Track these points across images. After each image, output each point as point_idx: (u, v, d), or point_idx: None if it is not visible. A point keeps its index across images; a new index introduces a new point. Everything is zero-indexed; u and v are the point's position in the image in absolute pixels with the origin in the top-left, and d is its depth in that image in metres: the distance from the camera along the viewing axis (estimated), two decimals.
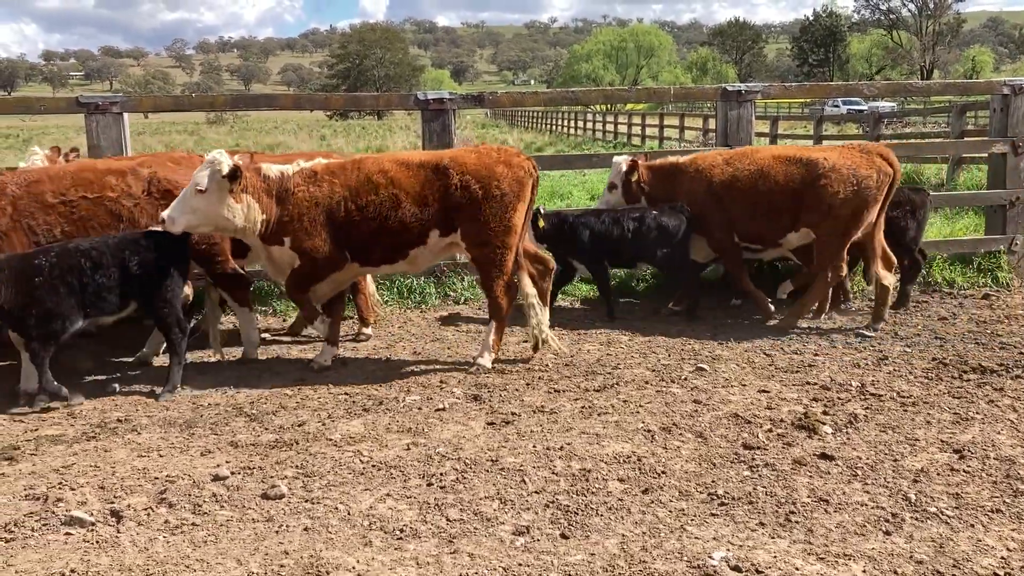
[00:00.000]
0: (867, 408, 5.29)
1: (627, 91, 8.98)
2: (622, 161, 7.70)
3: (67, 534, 3.89)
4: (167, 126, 61.69)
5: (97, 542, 3.81)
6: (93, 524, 3.96)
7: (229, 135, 48.03)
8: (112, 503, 4.16)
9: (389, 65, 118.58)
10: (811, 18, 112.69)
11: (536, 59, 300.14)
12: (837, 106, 53.52)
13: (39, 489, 4.33)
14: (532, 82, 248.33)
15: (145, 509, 4.10)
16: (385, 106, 11.82)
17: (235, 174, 5.76)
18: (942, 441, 4.77)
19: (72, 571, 3.52)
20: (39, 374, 5.56)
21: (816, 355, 6.47)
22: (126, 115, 7.80)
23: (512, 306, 6.42)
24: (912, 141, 16.82)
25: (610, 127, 43.41)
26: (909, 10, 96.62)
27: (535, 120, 61.44)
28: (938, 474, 4.36)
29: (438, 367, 6.37)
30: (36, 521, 4.00)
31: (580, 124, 49.09)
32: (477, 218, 6.12)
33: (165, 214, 5.74)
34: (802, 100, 58.65)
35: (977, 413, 5.18)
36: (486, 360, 6.25)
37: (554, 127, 54.67)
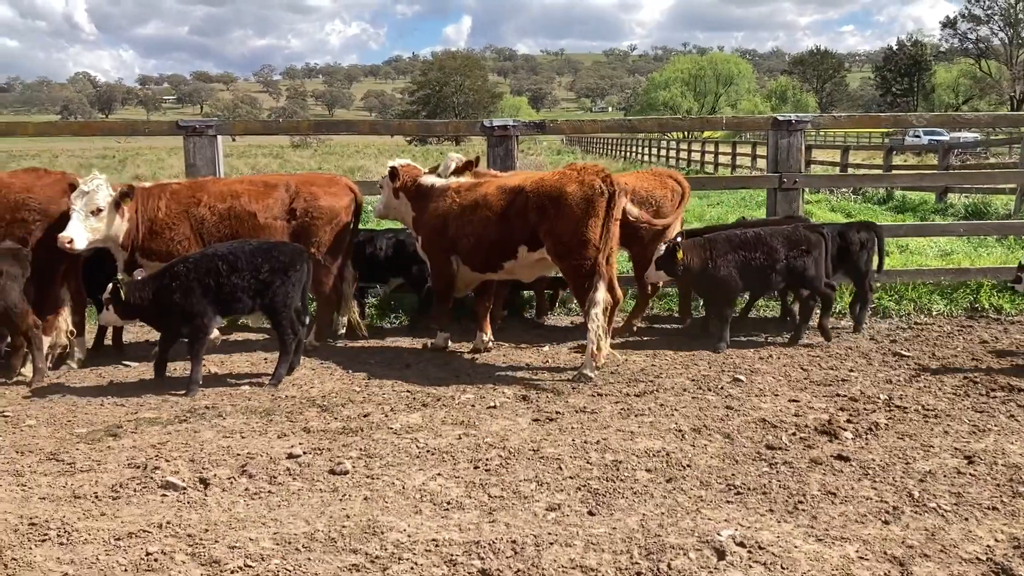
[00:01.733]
0: (890, 418, 5.63)
1: (681, 120, 9.46)
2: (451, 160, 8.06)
3: (163, 495, 4.53)
4: (253, 149, 64.08)
5: (188, 503, 4.44)
6: (184, 488, 4.60)
7: (312, 158, 49.79)
8: (200, 473, 4.79)
9: (468, 92, 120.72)
10: (895, 47, 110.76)
11: (614, 86, 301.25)
12: (919, 136, 52.67)
13: (139, 460, 5.00)
14: (610, 109, 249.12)
15: (228, 478, 4.73)
16: (454, 132, 12.54)
17: None
18: (955, 448, 5.09)
19: (168, 523, 4.14)
20: (194, 367, 6.41)
21: (851, 371, 6.80)
22: (219, 137, 8.61)
23: (607, 318, 6.79)
24: (979, 172, 16.79)
25: (684, 154, 43.65)
26: (1000, 39, 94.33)
27: (610, 147, 62.00)
28: (944, 476, 4.70)
29: (493, 371, 6.92)
30: (137, 484, 4.66)
31: (654, 151, 49.42)
32: (557, 233, 6.68)
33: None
34: (883, 130, 57.85)
35: (995, 425, 5.47)
36: (588, 371, 6.60)
37: (629, 154, 55.12)
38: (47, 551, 3.87)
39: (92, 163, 48.24)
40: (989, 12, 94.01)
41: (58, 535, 4.01)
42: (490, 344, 7.54)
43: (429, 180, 7.58)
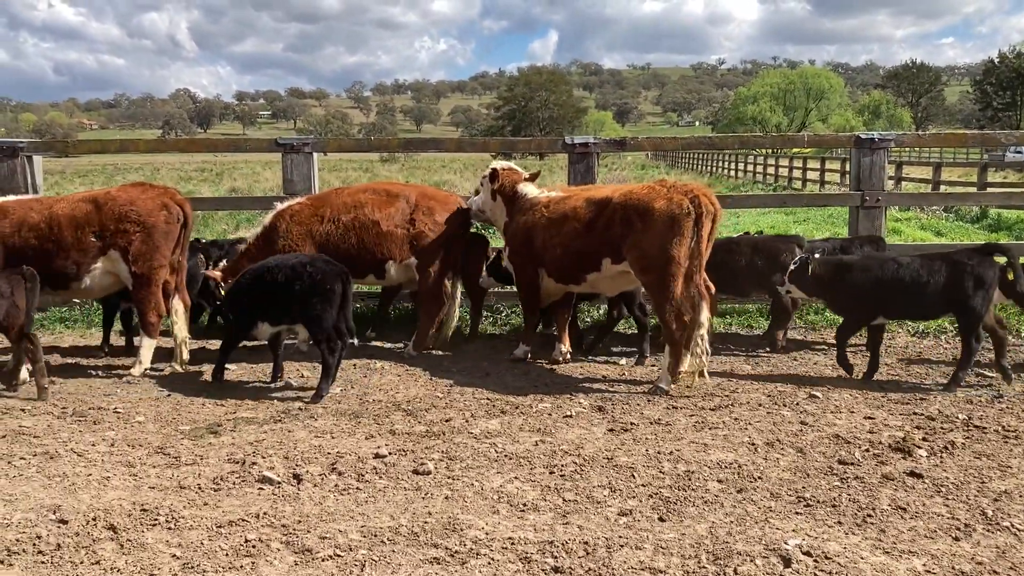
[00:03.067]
0: (967, 437, 5.62)
1: (762, 137, 9.52)
2: None
3: (260, 489, 4.88)
4: (344, 163, 65.72)
5: (282, 496, 4.77)
6: (279, 483, 4.93)
7: (400, 172, 50.85)
8: (294, 469, 5.12)
9: (553, 107, 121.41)
10: (996, 60, 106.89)
11: (702, 100, 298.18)
12: (1020, 152, 50.81)
13: (237, 456, 5.37)
14: (697, 123, 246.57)
15: (320, 475, 5.04)
16: (536, 149, 12.78)
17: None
18: None
19: (264, 514, 4.47)
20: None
21: (930, 391, 6.77)
22: (315, 154, 9.06)
23: (684, 334, 6.76)
24: None
25: (771, 169, 43.07)
26: None
27: (696, 162, 61.52)
28: (1021, 496, 4.69)
29: (570, 382, 7.11)
30: (236, 478, 5.01)
31: (740, 166, 48.89)
32: (641, 247, 6.83)
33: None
34: (980, 147, 55.95)
35: None
36: (664, 384, 6.78)
37: (715, 169, 54.61)
38: (157, 534, 4.22)
39: (191, 176, 50.42)
40: None
41: (167, 521, 4.37)
42: (568, 355, 7.73)
43: (526, 189, 7.86)
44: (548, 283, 7.59)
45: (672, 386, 6.79)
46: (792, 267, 7.33)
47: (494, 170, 7.90)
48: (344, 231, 7.83)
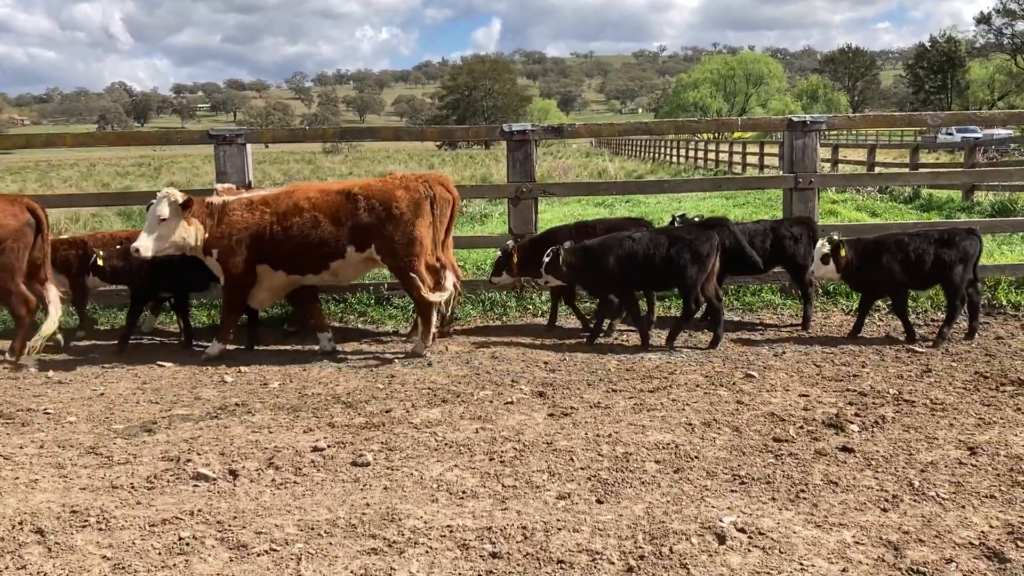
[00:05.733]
0: (897, 412, 5.76)
1: (696, 122, 9.64)
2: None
3: (195, 486, 4.80)
4: (286, 155, 64.95)
5: (218, 492, 4.70)
6: (215, 479, 4.86)
7: (343, 164, 50.38)
8: (230, 465, 5.05)
9: (498, 96, 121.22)
10: (928, 44, 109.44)
11: (644, 88, 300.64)
12: (951, 134, 52.16)
13: (172, 453, 5.28)
14: (640, 111, 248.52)
15: (256, 470, 4.98)
16: (475, 137, 12.75)
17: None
18: (959, 440, 5.21)
19: (199, 511, 4.40)
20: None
21: (864, 367, 6.92)
22: (249, 146, 8.91)
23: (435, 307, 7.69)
24: (997, 169, 16.72)
25: (712, 155, 43.59)
26: None
27: (640, 148, 62.00)
28: (946, 466, 4.83)
29: (512, 369, 7.12)
30: (171, 476, 4.92)
31: (682, 152, 49.39)
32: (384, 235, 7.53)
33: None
34: (916, 128, 57.27)
35: (1001, 418, 5.58)
36: (421, 349, 7.65)
37: (658, 155, 55.10)
38: (87, 536, 4.13)
39: (128, 171, 49.24)
40: None
41: (97, 521, 4.28)
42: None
43: (212, 200, 7.82)
44: (278, 277, 7.82)
45: (427, 350, 7.61)
46: (546, 259, 7.76)
47: (188, 198, 7.56)
48: None
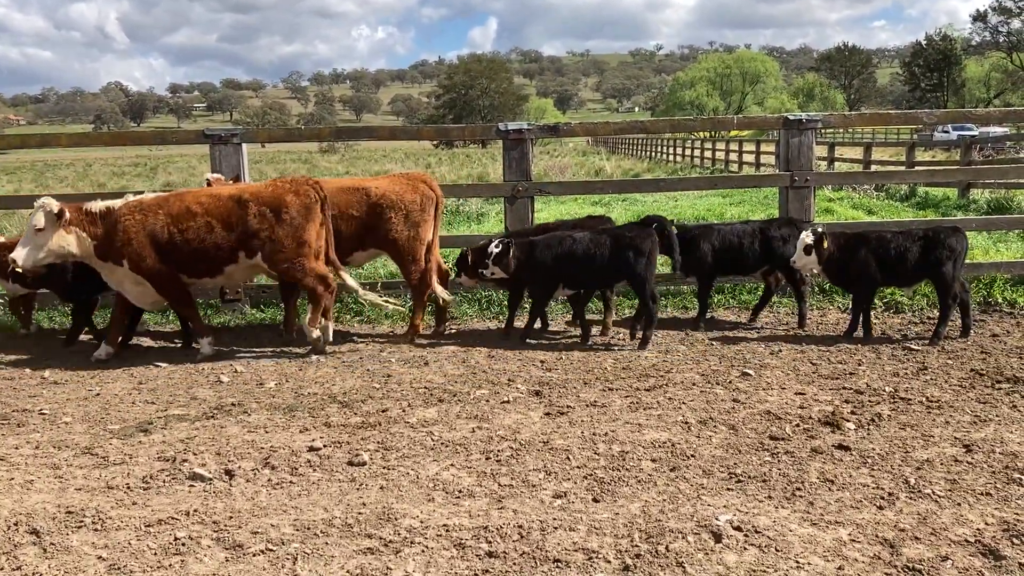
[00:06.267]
0: (893, 409, 5.77)
1: (692, 120, 9.65)
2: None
3: (191, 486, 4.79)
4: (283, 155, 64.90)
5: (214, 492, 4.69)
6: (211, 479, 4.85)
7: (340, 163, 50.30)
8: (226, 465, 5.04)
9: (494, 95, 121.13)
10: (924, 42, 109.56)
11: (641, 86, 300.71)
12: (947, 132, 52.27)
13: (168, 453, 5.27)
14: (636, 109, 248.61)
15: (252, 470, 4.98)
16: (471, 136, 12.76)
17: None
18: (955, 438, 5.22)
19: (195, 511, 4.39)
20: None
21: (860, 364, 6.93)
22: (244, 145, 8.90)
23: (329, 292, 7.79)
24: (993, 167, 16.75)
25: (708, 154, 43.60)
26: None
27: (637, 147, 61.96)
28: (942, 464, 4.83)
29: (509, 368, 7.12)
30: (167, 475, 4.92)
31: (679, 151, 49.39)
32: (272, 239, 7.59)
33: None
34: (912, 127, 57.34)
35: (996, 416, 5.59)
36: (317, 338, 7.78)
37: (654, 154, 55.07)
38: (83, 536, 4.13)
39: (125, 171, 49.25)
40: (1021, 5, 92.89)
41: (93, 522, 4.27)
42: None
43: (96, 207, 7.64)
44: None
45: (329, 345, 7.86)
46: (495, 251, 7.82)
47: (62, 208, 7.38)
48: None
